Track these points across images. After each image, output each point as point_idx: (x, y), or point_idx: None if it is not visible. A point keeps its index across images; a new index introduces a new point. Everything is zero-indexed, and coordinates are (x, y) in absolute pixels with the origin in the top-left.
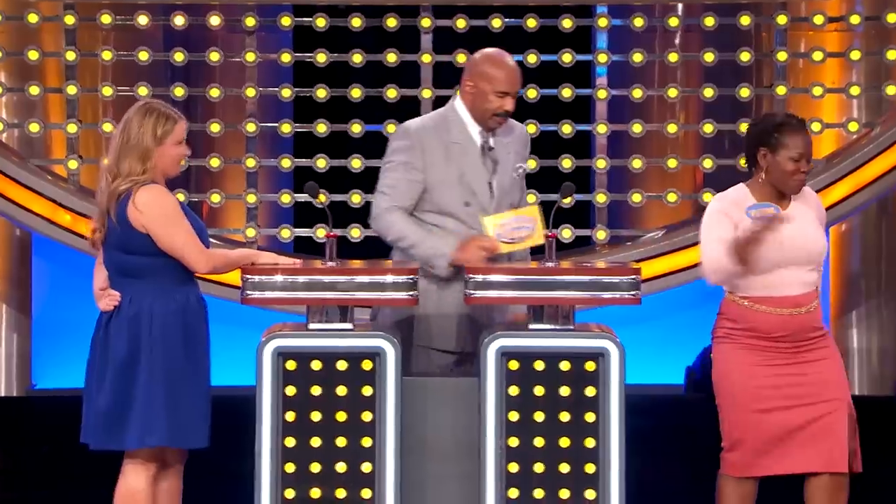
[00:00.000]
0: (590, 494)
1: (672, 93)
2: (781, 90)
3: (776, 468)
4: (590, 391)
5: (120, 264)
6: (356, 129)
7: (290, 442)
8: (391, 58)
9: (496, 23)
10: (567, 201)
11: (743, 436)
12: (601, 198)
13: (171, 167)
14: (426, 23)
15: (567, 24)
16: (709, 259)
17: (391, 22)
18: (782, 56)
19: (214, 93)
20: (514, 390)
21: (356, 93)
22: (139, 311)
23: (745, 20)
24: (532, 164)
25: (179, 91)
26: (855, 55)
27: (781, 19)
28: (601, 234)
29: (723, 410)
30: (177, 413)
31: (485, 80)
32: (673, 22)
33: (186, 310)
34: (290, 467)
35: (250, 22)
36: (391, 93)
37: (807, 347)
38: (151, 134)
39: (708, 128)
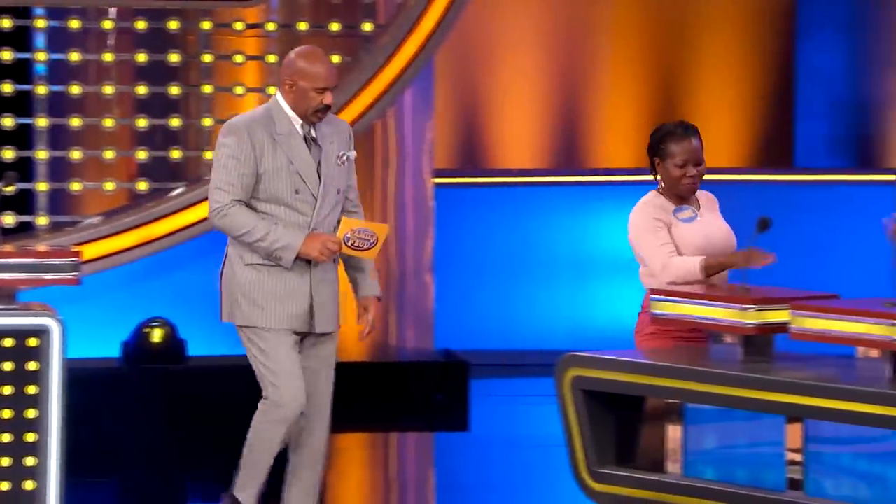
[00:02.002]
0: (30, 461)
1: (108, 89)
2: (207, 89)
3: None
4: (32, 365)
5: None
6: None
7: None
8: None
9: None
10: (10, 189)
11: None
12: (42, 186)
13: None
14: None
15: (6, 23)
16: (673, 266)
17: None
18: (207, 58)
19: None
20: None
21: None
22: None
23: (172, 24)
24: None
25: None
26: (271, 58)
27: (206, 24)
28: (43, 220)
29: None
30: None
31: (303, 77)
32: (107, 25)
33: None
34: None
35: None
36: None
37: None
38: None
39: (141, 122)
